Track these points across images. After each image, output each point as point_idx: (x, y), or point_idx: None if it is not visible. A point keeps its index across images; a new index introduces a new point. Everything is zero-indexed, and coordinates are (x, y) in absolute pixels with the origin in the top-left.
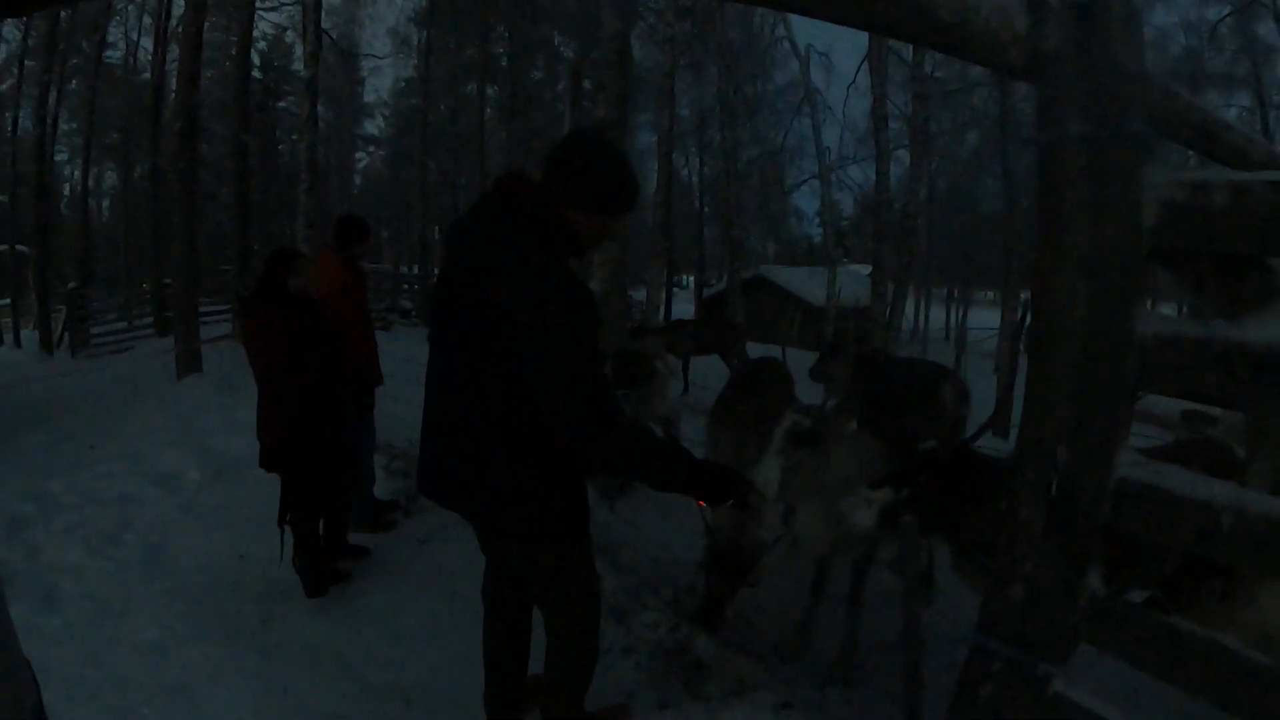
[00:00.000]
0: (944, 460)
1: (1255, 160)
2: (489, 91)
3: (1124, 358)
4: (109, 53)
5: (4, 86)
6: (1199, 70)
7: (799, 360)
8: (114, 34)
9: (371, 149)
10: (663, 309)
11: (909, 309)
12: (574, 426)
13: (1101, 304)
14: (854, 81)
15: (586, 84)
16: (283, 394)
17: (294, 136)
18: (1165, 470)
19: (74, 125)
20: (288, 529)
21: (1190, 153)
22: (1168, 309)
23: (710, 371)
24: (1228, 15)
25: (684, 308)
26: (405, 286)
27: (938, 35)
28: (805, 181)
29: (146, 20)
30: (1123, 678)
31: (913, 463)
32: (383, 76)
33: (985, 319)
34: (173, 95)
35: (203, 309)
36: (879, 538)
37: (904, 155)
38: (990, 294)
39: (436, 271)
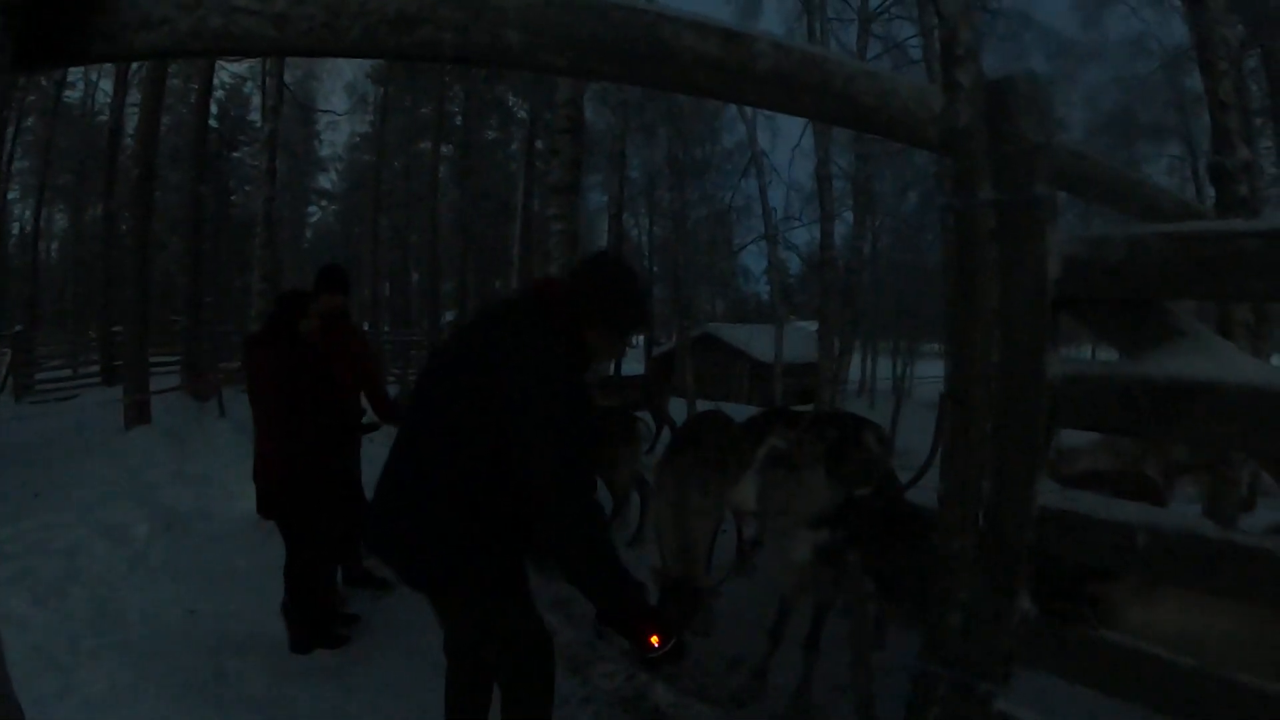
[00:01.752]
0: (875, 507)
1: (1166, 210)
2: (443, 150)
3: (1036, 397)
4: (68, 92)
5: None
6: (1131, 123)
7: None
8: (74, 74)
9: (324, 203)
10: (613, 366)
11: (855, 363)
12: (557, 519)
13: (1013, 350)
14: (799, 143)
15: (539, 144)
16: (291, 436)
17: (248, 188)
18: (1080, 496)
19: (27, 164)
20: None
21: None
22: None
23: None
24: (1158, 69)
25: (634, 366)
26: None
27: (860, 119)
28: (753, 241)
29: None
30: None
31: (847, 507)
32: (337, 131)
33: (933, 371)
34: (129, 139)
35: (152, 359)
36: (825, 575)
37: (848, 214)
38: (936, 346)
39: (388, 327)
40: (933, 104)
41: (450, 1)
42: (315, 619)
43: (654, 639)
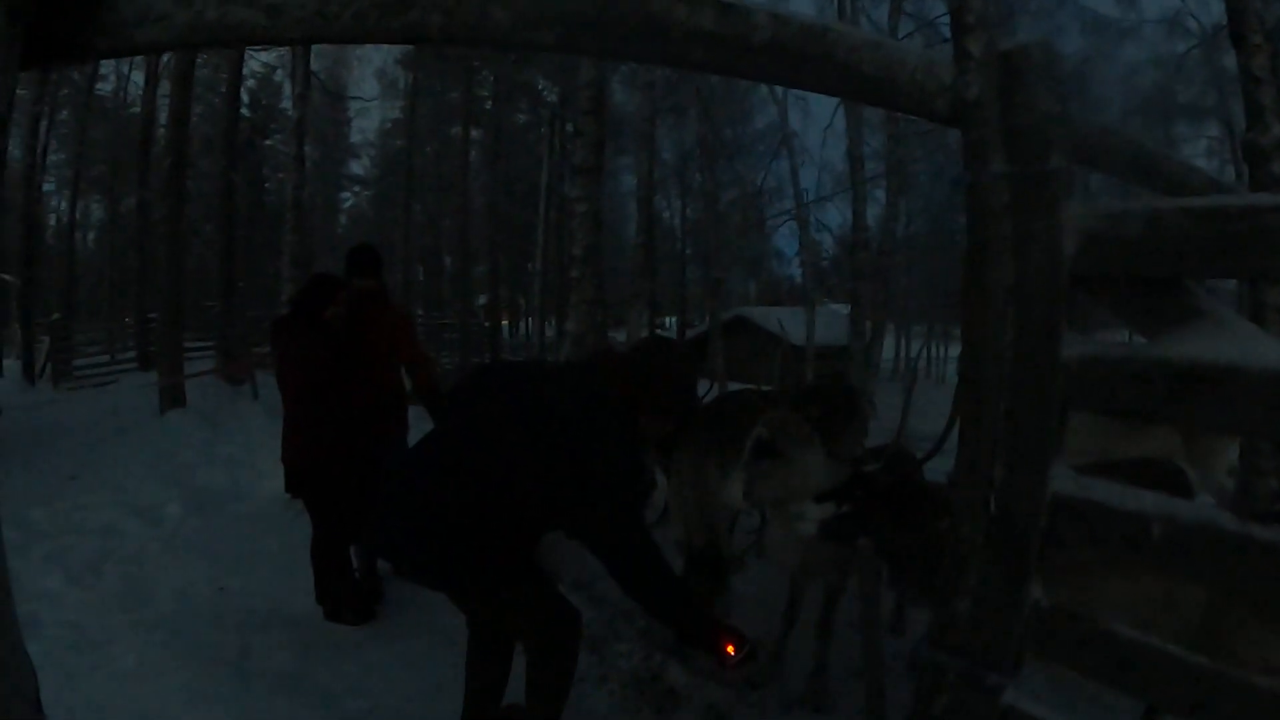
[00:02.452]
0: (882, 481)
1: (1195, 188)
2: (473, 134)
3: (1050, 378)
4: (100, 85)
5: None
6: (1169, 103)
7: None
8: (105, 66)
9: (357, 189)
10: None
11: (889, 345)
12: (638, 579)
13: (1027, 329)
14: (830, 124)
15: (569, 127)
16: (315, 418)
17: (280, 175)
18: (1094, 484)
19: (62, 156)
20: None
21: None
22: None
23: None
24: (1195, 47)
25: None
26: None
27: (865, 91)
28: (784, 221)
29: None
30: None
31: (853, 481)
32: (369, 117)
33: None
34: (162, 130)
35: (186, 344)
36: (830, 555)
37: (880, 195)
38: None
39: (420, 311)
40: (942, 75)
41: None
42: (340, 595)
43: (730, 648)
